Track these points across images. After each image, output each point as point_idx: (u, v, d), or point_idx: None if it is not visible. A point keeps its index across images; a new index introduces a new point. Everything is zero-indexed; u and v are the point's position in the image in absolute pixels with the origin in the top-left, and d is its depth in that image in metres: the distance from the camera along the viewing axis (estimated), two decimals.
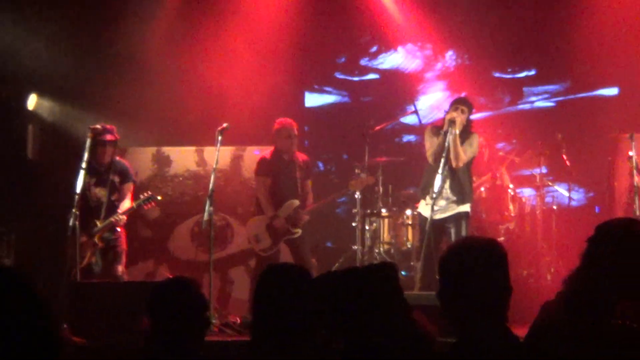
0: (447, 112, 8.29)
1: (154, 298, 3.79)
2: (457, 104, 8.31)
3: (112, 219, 8.61)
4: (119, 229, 8.81)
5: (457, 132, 8.08)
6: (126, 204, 8.78)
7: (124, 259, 8.94)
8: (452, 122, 8.08)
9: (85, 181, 8.47)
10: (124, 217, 8.73)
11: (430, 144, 8.32)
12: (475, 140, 8.35)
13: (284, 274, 3.46)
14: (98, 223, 8.60)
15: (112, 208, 8.72)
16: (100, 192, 8.76)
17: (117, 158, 8.96)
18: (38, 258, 10.10)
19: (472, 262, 3.04)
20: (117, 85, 10.64)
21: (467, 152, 8.24)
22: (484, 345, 2.98)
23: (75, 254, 8.23)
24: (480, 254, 3.07)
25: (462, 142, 8.19)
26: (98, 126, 8.60)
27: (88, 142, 8.39)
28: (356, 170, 9.73)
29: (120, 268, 8.89)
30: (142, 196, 8.77)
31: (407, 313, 3.20)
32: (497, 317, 3.03)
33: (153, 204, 8.85)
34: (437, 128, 8.39)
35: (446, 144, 8.01)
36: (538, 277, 9.62)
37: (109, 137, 8.74)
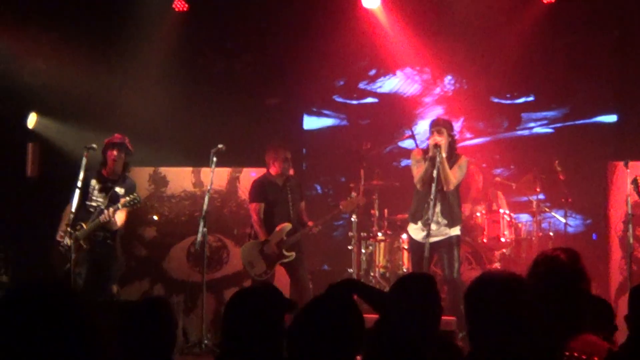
0: (428, 138, 8.29)
1: (124, 320, 3.80)
2: (435, 126, 8.23)
3: (99, 218, 8.41)
4: (110, 243, 8.68)
5: (444, 155, 8.06)
6: (120, 214, 8.64)
7: (118, 277, 8.94)
8: (437, 146, 8.05)
9: (92, 185, 8.49)
10: (113, 219, 8.45)
11: (417, 170, 8.28)
12: (464, 162, 8.33)
13: (253, 298, 3.45)
14: (84, 225, 8.51)
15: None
16: (100, 199, 8.70)
17: (129, 175, 8.89)
18: (35, 276, 10.11)
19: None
20: (115, 105, 10.70)
21: (457, 175, 8.21)
22: None
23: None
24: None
25: (451, 166, 8.16)
26: (94, 145, 8.57)
27: (84, 161, 8.39)
28: (352, 193, 9.72)
29: (115, 287, 8.89)
30: (128, 197, 8.58)
31: None
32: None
33: (139, 206, 8.75)
34: (424, 152, 8.37)
35: (435, 169, 7.98)
36: None
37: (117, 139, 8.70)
